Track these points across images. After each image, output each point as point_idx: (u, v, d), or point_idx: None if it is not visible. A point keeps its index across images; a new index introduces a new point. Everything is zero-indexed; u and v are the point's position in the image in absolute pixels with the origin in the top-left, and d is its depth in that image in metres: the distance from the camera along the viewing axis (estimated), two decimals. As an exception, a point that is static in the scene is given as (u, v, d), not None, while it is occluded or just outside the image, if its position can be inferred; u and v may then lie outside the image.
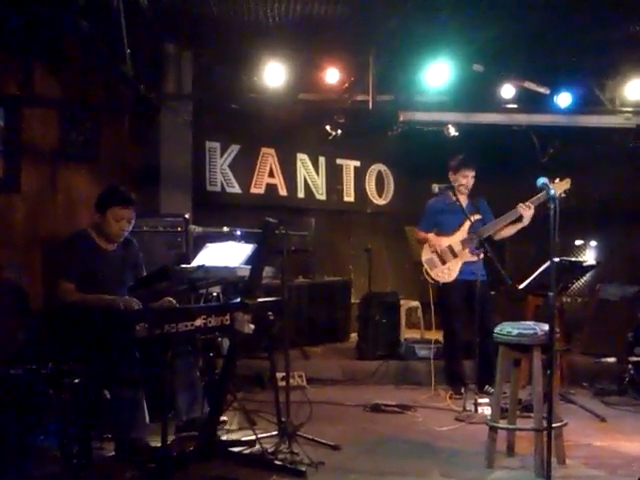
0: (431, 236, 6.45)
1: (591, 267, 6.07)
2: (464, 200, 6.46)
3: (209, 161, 8.51)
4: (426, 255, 6.44)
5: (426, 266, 6.41)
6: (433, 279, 6.40)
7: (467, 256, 6.28)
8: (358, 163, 10.05)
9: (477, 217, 6.39)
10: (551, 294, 3.97)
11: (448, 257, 6.36)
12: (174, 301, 4.82)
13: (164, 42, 7.57)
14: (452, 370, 6.51)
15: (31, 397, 3.99)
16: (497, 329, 4.57)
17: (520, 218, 6.18)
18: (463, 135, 8.52)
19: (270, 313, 4.76)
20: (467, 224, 6.32)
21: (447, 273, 6.35)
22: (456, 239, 6.38)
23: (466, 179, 6.43)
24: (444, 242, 6.38)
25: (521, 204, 6.08)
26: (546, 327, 4.24)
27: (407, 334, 7.89)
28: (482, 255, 6.10)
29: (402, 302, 7.94)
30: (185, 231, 6.33)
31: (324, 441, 4.83)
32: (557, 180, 5.94)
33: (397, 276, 9.78)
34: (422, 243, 6.53)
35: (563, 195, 5.94)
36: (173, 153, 7.67)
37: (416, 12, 6.66)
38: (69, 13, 5.72)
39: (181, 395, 4.83)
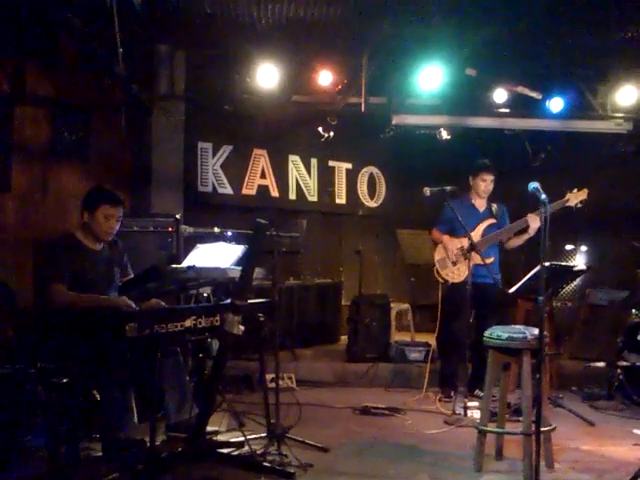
0: (445, 238, 6.44)
1: (581, 272, 6.06)
2: (483, 204, 6.52)
3: (201, 161, 8.49)
4: (439, 255, 6.46)
5: (437, 266, 6.43)
6: (443, 279, 6.41)
7: (478, 258, 6.23)
8: (350, 165, 10.04)
9: (492, 221, 6.42)
10: (541, 298, 3.99)
11: (459, 258, 6.36)
12: (162, 302, 4.81)
13: (157, 42, 7.56)
14: (445, 372, 6.50)
15: (19, 397, 3.97)
16: (487, 333, 4.58)
17: (526, 229, 6.21)
18: (455, 139, 8.54)
19: (260, 314, 4.76)
20: (481, 226, 6.36)
21: (457, 273, 6.34)
22: (468, 242, 6.36)
23: (484, 183, 6.45)
24: (457, 243, 6.38)
25: (530, 214, 6.12)
26: (536, 331, 4.26)
27: (397, 337, 7.90)
28: (492, 259, 6.19)
29: (392, 305, 7.95)
30: (176, 231, 6.32)
31: (313, 443, 4.82)
32: (575, 190, 6.04)
33: (388, 279, 9.79)
34: (437, 243, 6.56)
35: (579, 205, 6.01)
36: (165, 153, 7.66)
37: (409, 15, 6.67)
38: (62, 12, 5.72)
39: (170, 396, 4.81)
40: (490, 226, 6.41)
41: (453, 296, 6.36)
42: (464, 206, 6.43)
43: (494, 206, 6.53)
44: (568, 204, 6.04)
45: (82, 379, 4.15)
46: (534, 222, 6.10)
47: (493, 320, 5.77)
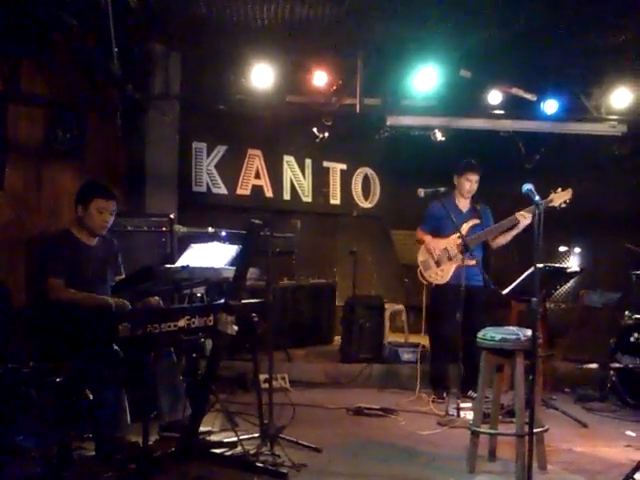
0: (427, 238, 6.42)
1: (575, 273, 6.09)
2: (466, 204, 6.49)
3: (195, 161, 8.47)
4: (422, 256, 6.43)
5: (421, 267, 6.39)
6: (427, 280, 6.39)
7: (464, 259, 6.20)
8: (345, 166, 10.04)
9: (475, 222, 6.38)
10: (534, 300, 3.99)
11: (443, 259, 6.33)
12: (160, 300, 4.82)
13: (152, 42, 7.53)
14: (435, 374, 6.51)
15: (11, 396, 3.96)
16: (480, 334, 4.59)
17: (514, 225, 6.19)
18: (450, 140, 8.54)
19: (254, 314, 4.76)
20: (465, 226, 6.31)
21: (440, 275, 6.32)
22: (453, 242, 6.32)
23: (469, 183, 6.43)
24: (441, 244, 6.36)
25: (521, 212, 6.10)
26: (529, 332, 4.26)
27: (391, 337, 7.91)
28: (475, 260, 6.13)
29: (386, 306, 7.95)
30: (170, 231, 6.31)
31: (306, 443, 4.82)
32: (559, 190, 6.02)
33: (382, 279, 9.78)
34: (420, 243, 6.52)
35: (563, 205, 6.00)
36: (159, 153, 7.63)
37: (404, 17, 6.67)
38: (57, 11, 5.70)
39: (163, 396, 4.81)
40: (474, 226, 6.38)
41: (438, 298, 6.36)
42: (451, 205, 6.41)
43: (478, 206, 6.51)
44: (552, 204, 6.01)
45: (75, 379, 4.14)
46: (524, 220, 6.10)
47: (480, 321, 5.78)
